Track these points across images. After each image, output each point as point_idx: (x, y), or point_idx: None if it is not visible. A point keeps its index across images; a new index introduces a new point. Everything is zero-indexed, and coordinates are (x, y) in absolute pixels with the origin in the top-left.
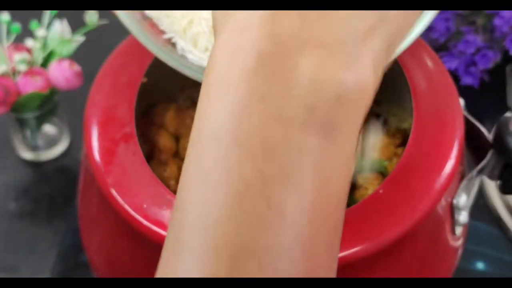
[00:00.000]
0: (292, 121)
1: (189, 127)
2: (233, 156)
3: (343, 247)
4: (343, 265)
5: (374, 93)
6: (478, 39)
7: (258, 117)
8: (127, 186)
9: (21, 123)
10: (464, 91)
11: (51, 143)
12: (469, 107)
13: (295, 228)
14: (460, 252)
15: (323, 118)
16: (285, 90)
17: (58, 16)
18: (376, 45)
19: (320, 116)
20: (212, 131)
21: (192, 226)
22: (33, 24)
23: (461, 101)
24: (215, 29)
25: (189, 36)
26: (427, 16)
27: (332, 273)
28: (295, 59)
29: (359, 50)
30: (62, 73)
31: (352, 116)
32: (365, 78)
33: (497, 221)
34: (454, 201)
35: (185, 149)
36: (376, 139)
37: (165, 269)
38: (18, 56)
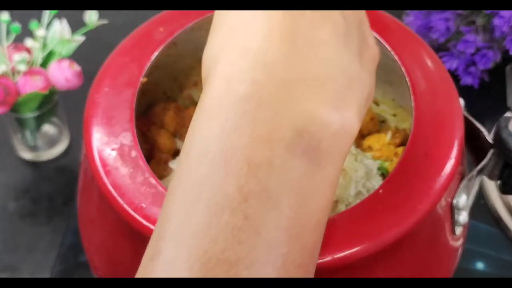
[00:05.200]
0: (279, 141)
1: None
2: (217, 171)
3: (343, 247)
4: (343, 265)
5: (358, 130)
6: (478, 39)
7: (247, 137)
8: (127, 186)
9: (21, 123)
10: (464, 91)
11: (51, 143)
12: (469, 107)
13: (268, 244)
14: (460, 252)
15: (310, 142)
16: (276, 115)
17: (58, 16)
18: (359, 88)
19: (307, 140)
20: (201, 148)
21: (169, 237)
22: (33, 24)
23: (461, 101)
24: (206, 73)
25: None
26: None
27: None
28: (288, 89)
29: (347, 90)
30: (62, 73)
31: (338, 144)
32: (351, 119)
33: (497, 221)
34: (454, 201)
35: None
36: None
37: (143, 275)
38: (18, 56)
